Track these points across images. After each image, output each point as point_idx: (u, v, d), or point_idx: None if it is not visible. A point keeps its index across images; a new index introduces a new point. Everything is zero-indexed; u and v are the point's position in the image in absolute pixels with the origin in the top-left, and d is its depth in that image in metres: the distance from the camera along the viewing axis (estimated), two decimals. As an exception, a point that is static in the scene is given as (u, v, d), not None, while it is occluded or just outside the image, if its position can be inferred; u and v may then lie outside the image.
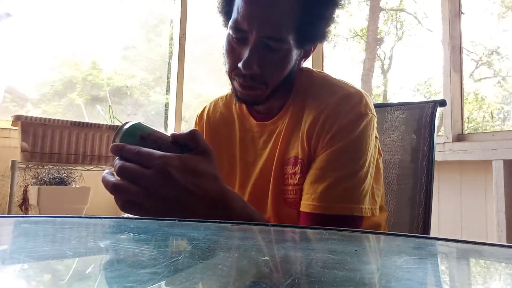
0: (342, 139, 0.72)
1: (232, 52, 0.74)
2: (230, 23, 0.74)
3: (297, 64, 0.79)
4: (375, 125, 0.77)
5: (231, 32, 0.74)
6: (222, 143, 0.87)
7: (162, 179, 0.53)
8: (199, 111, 0.96)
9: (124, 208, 0.56)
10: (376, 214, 0.75)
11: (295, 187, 0.75)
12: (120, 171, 0.54)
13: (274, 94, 0.77)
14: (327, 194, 0.70)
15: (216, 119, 0.91)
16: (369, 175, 0.73)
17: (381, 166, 0.83)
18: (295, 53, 0.75)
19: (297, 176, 0.75)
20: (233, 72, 0.75)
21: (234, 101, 0.89)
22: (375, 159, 0.78)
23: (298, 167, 0.75)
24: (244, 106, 0.87)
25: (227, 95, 0.93)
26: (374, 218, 0.79)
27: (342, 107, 0.73)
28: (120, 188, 0.54)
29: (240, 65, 0.71)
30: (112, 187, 0.55)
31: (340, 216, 0.70)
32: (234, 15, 0.73)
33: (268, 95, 0.76)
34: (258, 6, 0.70)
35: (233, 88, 0.78)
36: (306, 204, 0.72)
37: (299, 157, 0.76)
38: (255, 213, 0.63)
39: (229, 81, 0.80)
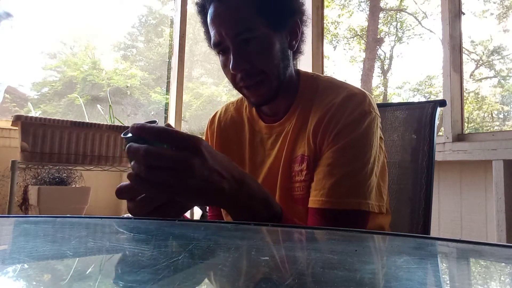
0: (347, 136, 0.74)
1: (225, 66, 0.79)
2: (211, 44, 0.80)
3: (288, 46, 0.81)
4: (379, 124, 0.79)
5: (215, 50, 0.80)
6: (232, 145, 0.91)
7: (198, 160, 0.52)
8: (211, 116, 1.00)
9: (155, 191, 0.53)
10: (383, 211, 0.77)
11: (302, 183, 0.77)
12: (147, 154, 0.50)
13: (281, 83, 0.80)
14: (335, 189, 0.71)
15: (227, 123, 0.94)
16: (374, 171, 0.75)
17: (386, 167, 0.85)
18: (275, 36, 0.78)
19: (304, 173, 0.77)
20: (235, 81, 0.79)
21: (244, 105, 0.93)
22: (380, 158, 0.80)
23: (304, 164, 0.77)
24: (254, 110, 0.90)
25: (237, 100, 0.97)
26: (378, 220, 0.80)
27: (347, 106, 0.76)
28: (153, 173, 0.51)
29: (231, 70, 0.76)
30: (145, 172, 0.51)
31: (348, 211, 0.71)
32: (211, 36, 0.79)
33: (276, 87, 0.79)
34: (219, 15, 0.76)
35: (245, 97, 0.83)
36: (315, 200, 0.73)
37: (306, 155, 0.78)
38: (269, 194, 0.65)
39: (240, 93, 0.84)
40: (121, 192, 0.60)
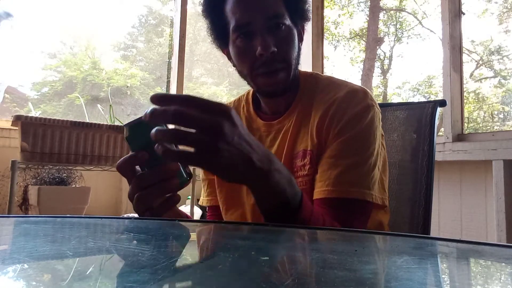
0: (351, 129, 0.75)
1: (246, 52, 0.78)
2: (232, 28, 0.78)
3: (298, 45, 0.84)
4: (380, 118, 0.81)
5: (236, 35, 0.78)
6: None
7: (229, 124, 0.50)
8: None
9: (187, 160, 0.51)
10: (386, 204, 0.77)
11: (305, 178, 0.78)
12: (183, 117, 0.48)
13: (293, 78, 0.81)
14: (341, 179, 0.72)
15: None
16: (377, 165, 0.76)
17: (387, 162, 0.86)
18: (294, 30, 0.81)
19: (307, 167, 0.78)
20: (253, 67, 0.78)
21: (242, 105, 0.93)
22: (382, 153, 0.81)
23: (307, 159, 0.78)
24: (251, 109, 0.90)
25: (234, 100, 0.97)
26: (378, 217, 0.81)
27: (350, 101, 0.77)
28: (184, 137, 0.48)
29: (259, 51, 0.75)
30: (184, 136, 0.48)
31: (353, 200, 0.72)
32: (232, 20, 0.78)
33: (291, 79, 0.80)
34: None
35: (257, 85, 0.82)
36: (320, 191, 0.74)
37: (308, 149, 0.78)
38: (291, 173, 0.65)
39: (248, 83, 0.84)
40: (120, 167, 0.60)
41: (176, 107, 0.48)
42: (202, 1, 0.86)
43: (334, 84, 0.83)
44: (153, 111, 0.49)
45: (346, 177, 0.72)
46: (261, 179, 0.57)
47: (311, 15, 0.86)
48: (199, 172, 1.00)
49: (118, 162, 0.63)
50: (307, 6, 0.84)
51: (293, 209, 0.61)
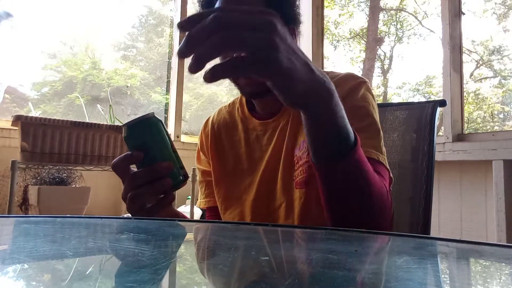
0: (349, 102, 0.72)
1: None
2: None
3: None
4: (373, 95, 0.82)
5: None
6: (226, 145, 0.93)
7: (282, 25, 0.44)
8: (205, 120, 1.02)
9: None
10: (391, 176, 0.76)
11: (304, 165, 0.78)
12: (228, 17, 0.41)
13: None
14: None
15: (220, 125, 0.96)
16: (381, 133, 0.75)
17: None
18: None
19: (305, 154, 0.78)
20: None
21: (236, 107, 0.95)
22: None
23: (305, 147, 0.78)
24: (246, 109, 0.91)
25: (230, 103, 0.99)
26: None
27: (343, 82, 0.79)
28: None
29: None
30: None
31: (372, 160, 0.69)
32: None
33: None
34: (230, 2, 0.79)
35: (241, 87, 0.83)
36: None
37: None
38: None
39: (235, 86, 0.84)
40: (115, 166, 0.63)
41: (215, 14, 0.41)
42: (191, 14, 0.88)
43: (327, 74, 0.84)
44: (190, 33, 0.41)
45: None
46: (321, 91, 0.52)
47: (300, 18, 0.87)
48: (198, 173, 1.00)
49: (113, 161, 0.64)
50: (291, 10, 0.84)
51: (348, 146, 0.57)
